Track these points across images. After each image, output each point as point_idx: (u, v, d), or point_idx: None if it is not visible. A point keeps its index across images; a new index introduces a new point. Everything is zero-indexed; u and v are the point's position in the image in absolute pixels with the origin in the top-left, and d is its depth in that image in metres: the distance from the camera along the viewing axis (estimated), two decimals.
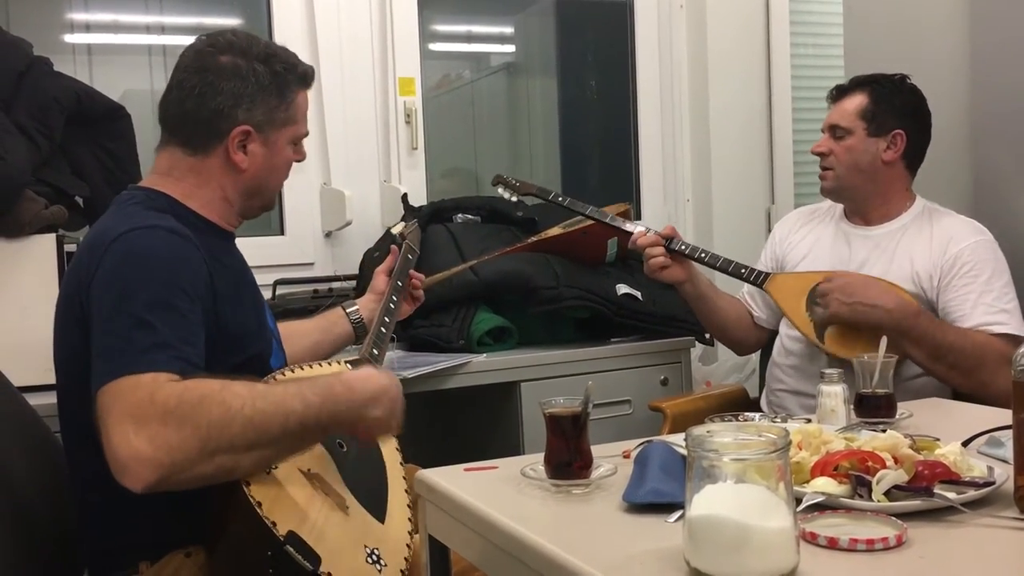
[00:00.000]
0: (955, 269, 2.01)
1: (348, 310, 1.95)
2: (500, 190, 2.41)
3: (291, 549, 1.28)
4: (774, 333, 2.31)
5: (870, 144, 2.08)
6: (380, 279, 2.00)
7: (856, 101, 2.11)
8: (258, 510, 1.28)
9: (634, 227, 2.22)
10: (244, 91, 1.50)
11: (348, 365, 1.67)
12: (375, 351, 1.74)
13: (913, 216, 2.12)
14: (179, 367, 1.25)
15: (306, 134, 1.62)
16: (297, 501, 1.35)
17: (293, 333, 1.82)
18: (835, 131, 2.12)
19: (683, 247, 2.18)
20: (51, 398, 1.52)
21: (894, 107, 2.09)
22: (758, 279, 2.16)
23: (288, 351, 1.72)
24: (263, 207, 1.62)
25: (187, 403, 1.20)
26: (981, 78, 2.28)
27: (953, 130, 2.22)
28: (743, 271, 2.18)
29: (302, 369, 1.55)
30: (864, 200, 2.14)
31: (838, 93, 2.16)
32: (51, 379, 1.49)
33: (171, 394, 1.20)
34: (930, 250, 2.05)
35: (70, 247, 2.01)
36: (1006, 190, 2.23)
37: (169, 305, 1.30)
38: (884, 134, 2.08)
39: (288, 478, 1.36)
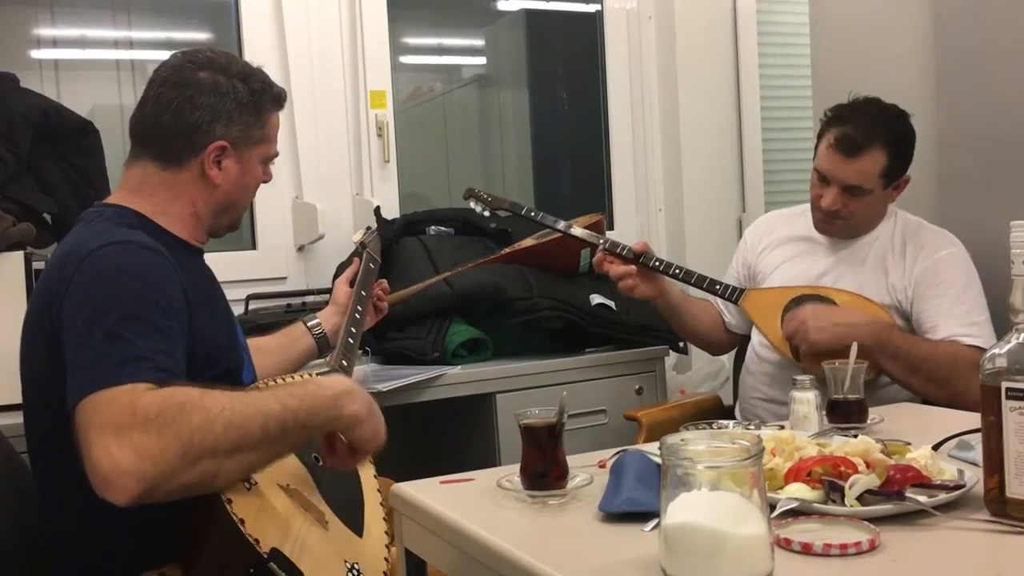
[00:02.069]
0: (928, 280, 2.03)
1: (309, 324, 1.95)
2: (472, 204, 2.41)
3: (274, 566, 1.27)
4: (747, 336, 2.32)
5: (885, 195, 2.07)
6: (341, 290, 2.00)
7: (878, 162, 2.00)
8: (241, 527, 1.27)
9: (605, 241, 2.22)
10: (223, 107, 1.50)
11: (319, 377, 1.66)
12: (344, 363, 1.74)
13: (887, 228, 2.13)
14: (157, 377, 1.24)
15: (276, 155, 1.62)
16: (278, 517, 1.34)
17: (257, 351, 1.80)
18: (852, 190, 2.02)
19: (657, 264, 2.18)
20: (17, 418, 1.50)
21: (907, 157, 2.05)
22: (732, 295, 2.17)
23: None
24: (230, 225, 1.62)
25: (168, 411, 1.18)
26: (947, 88, 2.31)
27: (920, 142, 2.24)
28: (718, 287, 2.18)
29: (275, 382, 1.55)
30: (854, 233, 2.13)
31: (853, 149, 1.99)
32: (18, 398, 1.46)
33: (151, 402, 1.19)
34: (904, 261, 2.07)
35: (38, 264, 1.98)
36: (972, 200, 2.25)
37: (144, 319, 1.29)
38: (895, 182, 2.06)
39: (268, 493, 1.36)
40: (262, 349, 1.85)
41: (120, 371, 1.21)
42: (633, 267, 2.14)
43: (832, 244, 2.16)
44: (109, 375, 1.21)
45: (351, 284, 1.99)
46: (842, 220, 2.08)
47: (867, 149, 1.99)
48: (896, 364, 1.95)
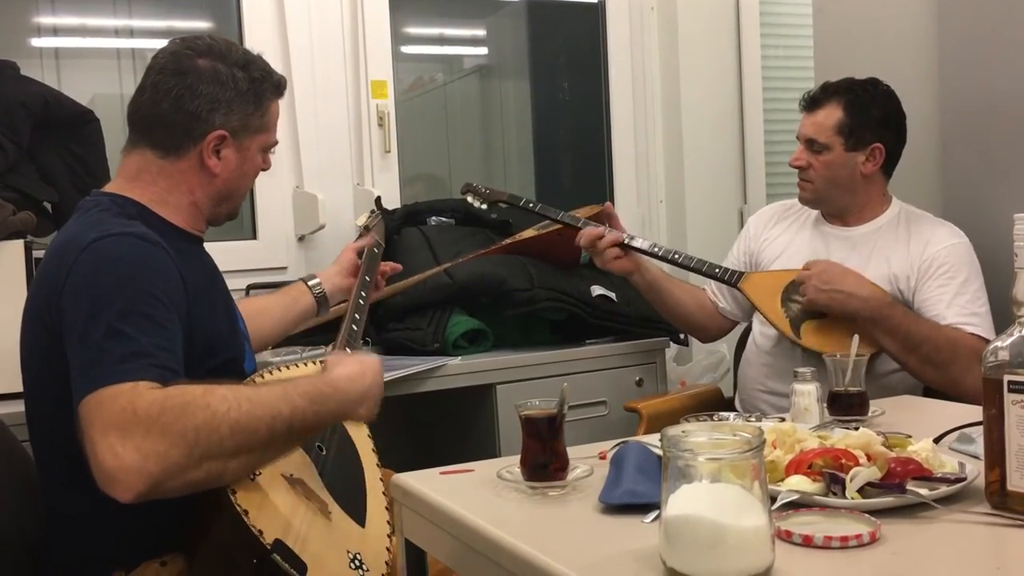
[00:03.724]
0: (931, 270, 2.03)
1: (310, 283, 1.95)
2: (469, 199, 2.41)
3: (278, 557, 1.27)
4: (738, 323, 2.33)
5: (848, 159, 2.08)
6: (347, 255, 2.01)
7: (832, 115, 2.08)
8: (245, 518, 1.27)
9: (606, 230, 2.22)
10: (222, 96, 1.49)
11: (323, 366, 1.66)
12: (347, 350, 1.74)
13: (890, 218, 2.14)
14: (158, 374, 1.23)
15: (276, 143, 1.62)
16: (282, 508, 1.34)
17: (258, 311, 1.81)
18: (812, 144, 2.10)
19: (657, 250, 2.18)
20: (18, 406, 1.50)
21: (871, 119, 2.08)
22: (732, 278, 2.17)
23: (253, 328, 1.72)
24: (229, 214, 1.61)
25: (170, 410, 1.18)
26: (949, 77, 2.30)
27: (922, 131, 2.24)
28: (717, 271, 2.19)
29: (279, 371, 1.54)
30: (843, 207, 2.16)
31: (811, 103, 2.13)
32: (19, 387, 1.46)
33: (153, 402, 1.18)
34: (907, 251, 2.07)
35: (38, 253, 1.98)
36: (975, 190, 2.25)
37: (143, 313, 1.29)
38: (862, 148, 2.08)
39: (272, 485, 1.36)
40: (264, 309, 1.86)
41: (121, 368, 1.21)
42: (619, 237, 2.17)
43: (835, 233, 2.17)
44: (110, 372, 1.21)
45: (359, 254, 2.00)
46: (810, 183, 2.12)
47: (823, 104, 2.11)
48: (894, 341, 1.95)
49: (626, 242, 2.18)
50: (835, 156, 2.08)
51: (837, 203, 2.15)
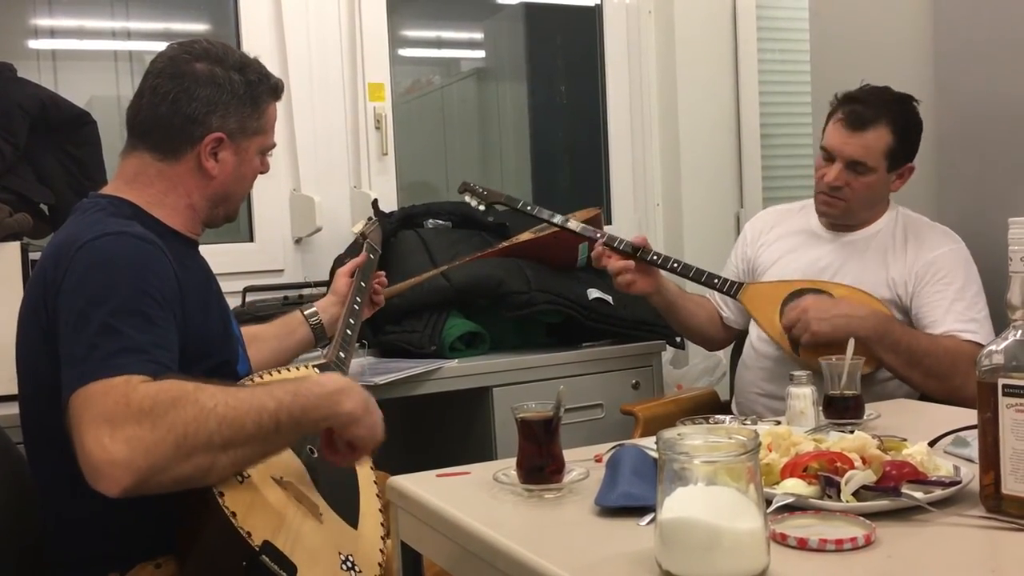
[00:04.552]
0: (929, 275, 2.03)
1: (306, 313, 1.95)
2: (467, 198, 2.40)
3: (266, 559, 1.27)
4: (743, 331, 2.32)
5: (887, 179, 2.07)
6: (341, 280, 2.00)
7: (883, 139, 2.02)
8: (232, 520, 1.27)
9: (602, 235, 2.20)
10: (219, 98, 1.49)
11: (316, 370, 1.66)
12: (342, 354, 1.74)
13: (888, 222, 2.13)
14: (152, 369, 1.24)
15: (274, 145, 1.62)
16: (271, 509, 1.34)
17: (253, 339, 1.80)
18: (856, 166, 2.03)
19: (655, 258, 2.16)
20: (13, 409, 1.50)
21: (912, 143, 2.07)
22: (731, 290, 2.16)
23: (249, 357, 1.71)
24: (227, 216, 1.61)
25: (162, 403, 1.18)
26: (945, 81, 2.31)
27: None
28: (716, 281, 2.18)
29: (271, 375, 1.55)
30: (860, 220, 2.14)
31: (859, 122, 2.02)
32: (14, 389, 1.46)
33: (146, 395, 1.19)
34: (905, 256, 2.07)
35: (35, 255, 1.98)
36: (971, 194, 2.26)
37: (138, 311, 1.29)
38: (897, 168, 2.07)
39: (261, 486, 1.36)
40: (258, 337, 1.85)
41: (114, 362, 1.21)
42: (631, 262, 2.13)
43: (833, 238, 2.16)
44: (103, 367, 1.21)
45: (351, 275, 2.00)
46: (843, 201, 2.08)
47: (873, 125, 2.02)
48: (896, 357, 1.95)
49: (614, 246, 2.15)
50: (878, 178, 2.05)
51: (858, 217, 2.13)
